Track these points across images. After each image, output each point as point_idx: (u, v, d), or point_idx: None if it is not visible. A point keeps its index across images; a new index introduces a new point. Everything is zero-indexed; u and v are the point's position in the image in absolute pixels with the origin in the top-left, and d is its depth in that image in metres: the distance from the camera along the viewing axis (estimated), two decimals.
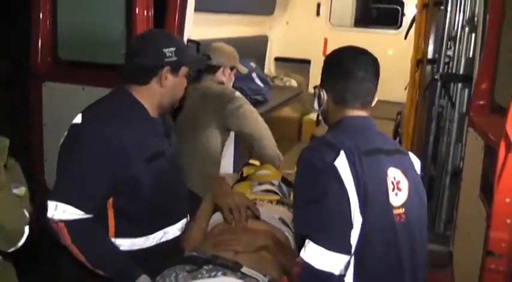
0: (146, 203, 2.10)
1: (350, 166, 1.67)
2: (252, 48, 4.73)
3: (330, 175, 1.66)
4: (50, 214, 1.94)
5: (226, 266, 1.91)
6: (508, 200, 2.19)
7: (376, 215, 1.70)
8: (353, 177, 1.67)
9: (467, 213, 2.76)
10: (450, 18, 3.49)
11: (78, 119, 2.02)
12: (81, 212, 1.95)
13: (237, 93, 3.15)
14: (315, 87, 1.97)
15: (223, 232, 2.17)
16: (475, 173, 2.69)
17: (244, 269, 1.92)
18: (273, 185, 2.84)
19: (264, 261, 2.03)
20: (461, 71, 3.42)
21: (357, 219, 1.67)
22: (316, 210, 1.66)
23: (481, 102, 2.93)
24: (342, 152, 1.68)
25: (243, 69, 3.43)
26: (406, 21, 6.02)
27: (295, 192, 1.84)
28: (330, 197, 1.65)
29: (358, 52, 1.90)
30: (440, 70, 3.48)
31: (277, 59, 6.59)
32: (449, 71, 3.52)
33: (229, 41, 3.61)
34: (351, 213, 1.66)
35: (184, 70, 2.18)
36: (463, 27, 3.41)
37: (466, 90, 3.40)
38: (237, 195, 2.28)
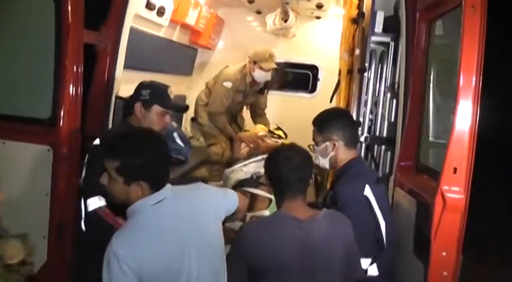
0: None
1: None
2: None
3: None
4: (92, 207, 2.63)
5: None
6: (444, 253, 2.32)
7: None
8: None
9: (403, 269, 2.86)
10: (373, 84, 3.72)
11: (97, 141, 2.83)
12: None
13: None
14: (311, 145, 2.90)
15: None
16: (405, 230, 2.82)
17: None
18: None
19: None
20: (384, 134, 3.63)
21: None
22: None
23: (407, 164, 3.12)
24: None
25: None
26: (321, 85, 6.38)
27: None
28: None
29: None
30: (365, 133, 3.67)
31: (193, 119, 6.59)
32: (372, 134, 3.72)
33: None
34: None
35: (156, 108, 2.95)
36: (384, 93, 3.66)
37: (389, 152, 3.60)
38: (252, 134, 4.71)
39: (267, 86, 5.16)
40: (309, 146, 2.85)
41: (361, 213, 2.58)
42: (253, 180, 3.87)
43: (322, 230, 2.36)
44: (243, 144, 4.70)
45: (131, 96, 3.03)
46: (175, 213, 2.16)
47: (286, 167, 2.41)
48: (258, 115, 5.43)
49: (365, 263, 2.57)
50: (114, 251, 1.98)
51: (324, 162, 2.88)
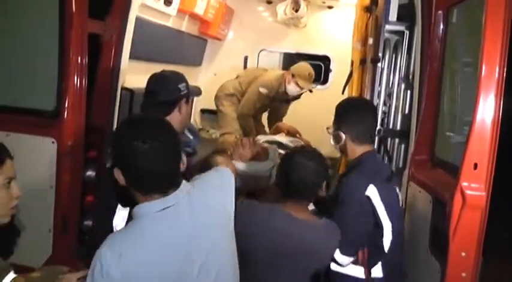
0: None
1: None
2: None
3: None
4: None
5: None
6: (463, 254, 2.21)
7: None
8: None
9: (418, 268, 2.75)
10: (387, 75, 3.60)
11: None
12: None
13: None
14: (328, 128, 2.74)
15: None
16: (420, 227, 2.71)
17: None
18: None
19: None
20: (398, 127, 3.51)
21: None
22: None
23: (422, 157, 2.99)
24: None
25: None
26: (333, 76, 6.24)
27: None
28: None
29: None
30: (379, 126, 3.55)
31: (203, 111, 6.52)
32: (385, 126, 3.60)
33: None
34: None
35: (191, 99, 2.75)
36: (398, 84, 3.53)
37: (403, 145, 3.48)
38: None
39: (295, 98, 5.27)
40: (327, 128, 2.77)
41: (357, 214, 2.45)
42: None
43: (317, 236, 2.41)
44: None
45: (164, 95, 2.60)
46: (187, 223, 1.80)
47: (298, 173, 2.39)
48: (275, 121, 5.42)
49: (345, 259, 2.46)
50: (100, 255, 1.67)
51: (336, 147, 2.76)
